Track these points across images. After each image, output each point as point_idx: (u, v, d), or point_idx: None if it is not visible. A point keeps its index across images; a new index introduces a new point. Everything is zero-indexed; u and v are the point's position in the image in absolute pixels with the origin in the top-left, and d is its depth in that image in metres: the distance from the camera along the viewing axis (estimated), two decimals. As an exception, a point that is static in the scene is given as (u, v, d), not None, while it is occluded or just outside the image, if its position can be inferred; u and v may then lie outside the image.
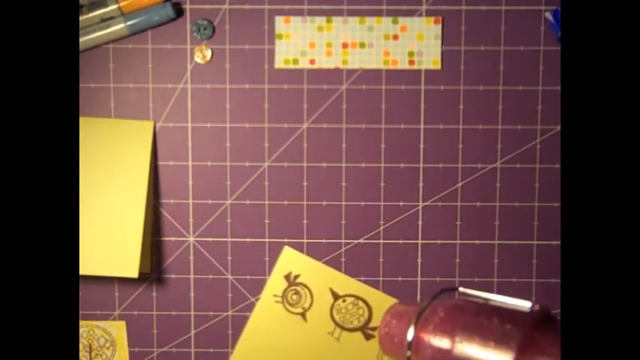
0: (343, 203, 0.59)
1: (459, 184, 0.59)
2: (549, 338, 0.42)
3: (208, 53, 0.57)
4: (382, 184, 0.59)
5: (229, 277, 0.60)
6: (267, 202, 0.59)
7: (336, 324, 0.38)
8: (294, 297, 0.35)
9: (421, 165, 0.58)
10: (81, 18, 0.57)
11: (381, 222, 0.59)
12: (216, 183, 0.59)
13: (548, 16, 0.57)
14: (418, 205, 0.59)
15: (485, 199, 0.59)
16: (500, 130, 0.58)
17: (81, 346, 0.61)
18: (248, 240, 0.60)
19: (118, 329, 0.61)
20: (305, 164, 0.59)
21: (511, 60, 0.58)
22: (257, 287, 0.60)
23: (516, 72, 0.58)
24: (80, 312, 0.61)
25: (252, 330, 0.36)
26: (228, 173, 0.59)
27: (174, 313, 0.61)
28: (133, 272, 0.58)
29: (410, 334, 0.40)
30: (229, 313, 0.60)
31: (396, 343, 0.42)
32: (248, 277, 0.60)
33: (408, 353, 0.39)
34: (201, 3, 0.58)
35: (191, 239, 0.60)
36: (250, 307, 0.60)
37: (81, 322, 0.61)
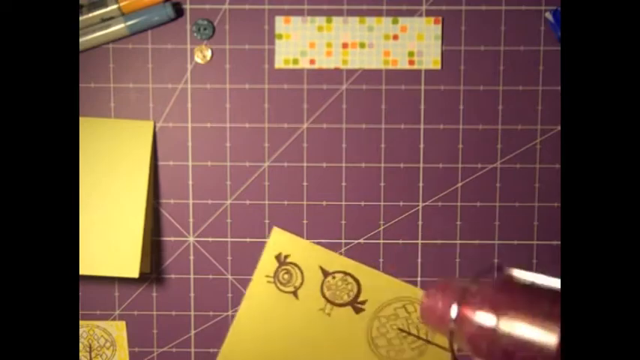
0: (343, 203, 0.59)
1: (459, 184, 0.59)
2: None
3: (208, 53, 0.57)
4: (382, 184, 0.59)
5: (229, 277, 0.60)
6: (267, 202, 0.59)
7: (327, 300, 0.39)
8: (286, 276, 0.37)
9: (421, 165, 0.58)
10: (81, 18, 0.57)
11: (381, 222, 0.59)
12: (216, 183, 0.59)
13: (548, 16, 0.57)
14: (418, 205, 0.59)
15: (485, 199, 0.59)
16: (500, 130, 0.58)
17: (81, 346, 0.61)
18: (248, 240, 0.60)
19: (118, 329, 0.61)
20: (305, 164, 0.59)
21: (511, 60, 0.58)
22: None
23: (516, 72, 0.58)
24: (80, 312, 0.61)
25: (246, 310, 0.37)
26: (228, 173, 0.59)
27: (174, 313, 0.61)
28: (133, 272, 0.58)
29: (454, 309, 0.40)
30: (229, 313, 0.60)
31: (438, 316, 0.41)
32: (248, 277, 0.60)
33: (452, 325, 0.39)
34: (201, 3, 0.58)
35: (191, 239, 0.60)
36: (250, 307, 0.60)
37: (81, 322, 0.61)
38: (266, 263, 0.36)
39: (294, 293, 0.38)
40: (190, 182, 0.59)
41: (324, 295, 0.39)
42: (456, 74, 0.58)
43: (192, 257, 0.60)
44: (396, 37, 0.57)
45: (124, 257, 0.58)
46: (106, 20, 0.57)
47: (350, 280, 0.38)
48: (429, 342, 0.40)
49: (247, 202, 0.59)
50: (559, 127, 0.58)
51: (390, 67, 0.58)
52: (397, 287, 0.40)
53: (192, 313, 0.60)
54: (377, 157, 0.59)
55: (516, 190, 0.59)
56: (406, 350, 0.40)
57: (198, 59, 0.58)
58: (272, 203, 0.59)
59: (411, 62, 0.58)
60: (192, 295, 0.60)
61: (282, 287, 0.37)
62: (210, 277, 0.60)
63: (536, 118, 0.58)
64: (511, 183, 0.59)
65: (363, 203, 0.59)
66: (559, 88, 0.58)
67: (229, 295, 0.60)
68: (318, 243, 0.57)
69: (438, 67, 0.58)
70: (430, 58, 0.58)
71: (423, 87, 0.58)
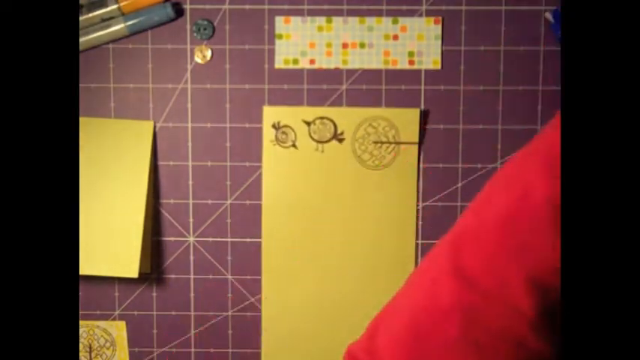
0: (343, 203, 0.59)
1: (459, 184, 0.59)
2: None
3: (208, 53, 0.57)
4: (382, 184, 0.59)
5: (229, 277, 0.60)
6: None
7: (316, 141, 0.56)
8: (283, 136, 0.55)
9: (421, 165, 0.58)
10: (81, 18, 0.57)
11: (381, 222, 0.59)
12: (216, 183, 0.59)
13: (548, 16, 0.57)
14: (418, 205, 0.59)
15: (485, 199, 0.59)
16: (500, 130, 0.58)
17: (81, 346, 0.61)
18: (248, 240, 0.60)
19: (118, 329, 0.61)
20: (305, 164, 0.59)
21: (511, 60, 0.58)
22: (257, 287, 0.60)
23: (516, 72, 0.58)
24: (80, 312, 0.60)
25: (267, 167, 0.57)
26: (228, 173, 0.59)
27: (174, 313, 0.61)
28: (133, 272, 0.58)
29: None
30: (229, 313, 0.60)
31: None
32: (248, 277, 0.60)
33: None
34: (201, 3, 0.58)
35: (191, 239, 0.60)
36: (250, 308, 0.60)
37: (81, 322, 0.61)
38: (267, 133, 0.56)
39: (294, 145, 0.56)
40: (190, 182, 0.59)
41: (313, 139, 0.56)
42: (456, 74, 0.58)
43: (192, 257, 0.60)
44: (396, 37, 0.57)
45: (124, 257, 0.58)
46: (106, 20, 0.57)
47: (327, 121, 0.55)
48: (398, 143, 0.56)
49: (247, 202, 0.59)
50: (559, 127, 0.58)
51: (390, 67, 0.58)
52: (362, 112, 0.56)
53: (192, 313, 0.60)
54: (377, 157, 0.59)
55: (516, 190, 0.58)
56: (385, 156, 0.56)
57: (198, 59, 0.58)
58: (272, 203, 0.59)
59: (411, 62, 0.58)
60: (192, 295, 0.60)
61: (283, 144, 0.56)
62: (210, 277, 0.60)
63: (536, 118, 0.58)
64: (511, 183, 0.58)
65: (363, 203, 0.59)
66: (559, 88, 0.58)
67: (229, 295, 0.60)
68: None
69: (438, 67, 0.58)
70: (430, 58, 0.58)
71: (423, 87, 0.58)
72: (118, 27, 0.57)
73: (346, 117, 0.55)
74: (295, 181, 0.57)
